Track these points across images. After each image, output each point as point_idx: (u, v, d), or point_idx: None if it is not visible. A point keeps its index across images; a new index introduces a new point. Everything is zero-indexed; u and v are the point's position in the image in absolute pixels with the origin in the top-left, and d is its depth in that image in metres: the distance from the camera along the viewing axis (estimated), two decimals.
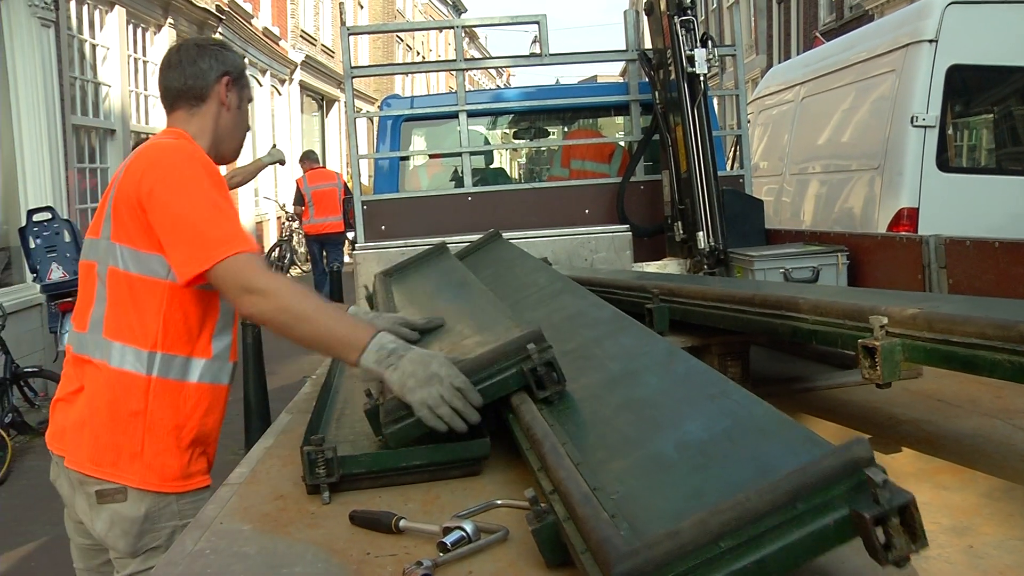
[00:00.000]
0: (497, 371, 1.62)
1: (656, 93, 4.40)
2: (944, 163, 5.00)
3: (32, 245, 6.79)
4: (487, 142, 6.13)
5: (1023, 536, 1.30)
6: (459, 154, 4.73)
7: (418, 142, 5.65)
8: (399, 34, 29.34)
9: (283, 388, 6.59)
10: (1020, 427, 1.88)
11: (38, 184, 7.93)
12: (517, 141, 6.39)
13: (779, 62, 16.71)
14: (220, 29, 13.70)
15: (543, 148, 6.66)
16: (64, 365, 2.09)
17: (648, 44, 4.58)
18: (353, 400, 2.12)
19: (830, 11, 16.99)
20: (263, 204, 16.46)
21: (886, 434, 1.88)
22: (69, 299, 6.74)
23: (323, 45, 22.17)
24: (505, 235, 3.48)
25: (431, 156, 5.69)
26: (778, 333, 2.04)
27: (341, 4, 21.53)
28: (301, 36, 19.97)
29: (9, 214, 7.87)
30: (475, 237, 3.52)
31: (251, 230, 14.74)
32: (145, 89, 11.27)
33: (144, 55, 11.28)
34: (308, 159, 11.62)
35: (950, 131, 5.18)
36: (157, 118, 11.51)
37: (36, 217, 6.88)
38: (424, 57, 33.94)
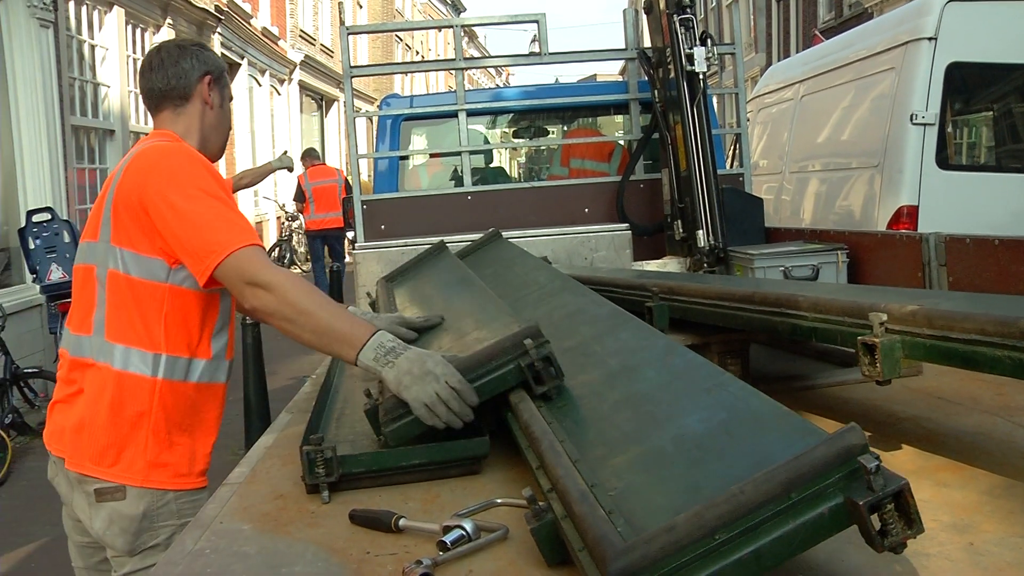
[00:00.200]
0: (495, 367, 1.63)
1: (655, 92, 4.40)
2: (944, 161, 5.00)
3: (32, 246, 6.79)
4: (487, 141, 6.13)
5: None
6: (458, 153, 4.72)
7: (417, 141, 5.65)
8: (398, 33, 29.36)
9: (283, 388, 6.60)
10: (1021, 424, 1.87)
11: (37, 185, 7.93)
12: (517, 140, 6.39)
13: (778, 60, 16.71)
14: (219, 29, 13.70)
15: (543, 147, 6.66)
16: (60, 368, 2.09)
17: (647, 43, 4.58)
18: (353, 400, 2.12)
19: (829, 9, 16.99)
20: (263, 204, 16.47)
21: (886, 432, 1.88)
22: (69, 300, 6.72)
23: (322, 45, 22.17)
24: (505, 234, 3.48)
25: (431, 155, 5.69)
26: (778, 331, 2.04)
27: (340, 4, 21.55)
28: (300, 36, 19.98)
29: (9, 215, 7.87)
30: (475, 236, 3.51)
31: None
32: None
33: (143, 56, 11.27)
34: (309, 156, 11.82)
35: (950, 129, 5.18)
36: None
37: (36, 218, 6.89)
38: (423, 56, 33.95)
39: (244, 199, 14.68)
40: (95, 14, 9.83)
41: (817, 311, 1.87)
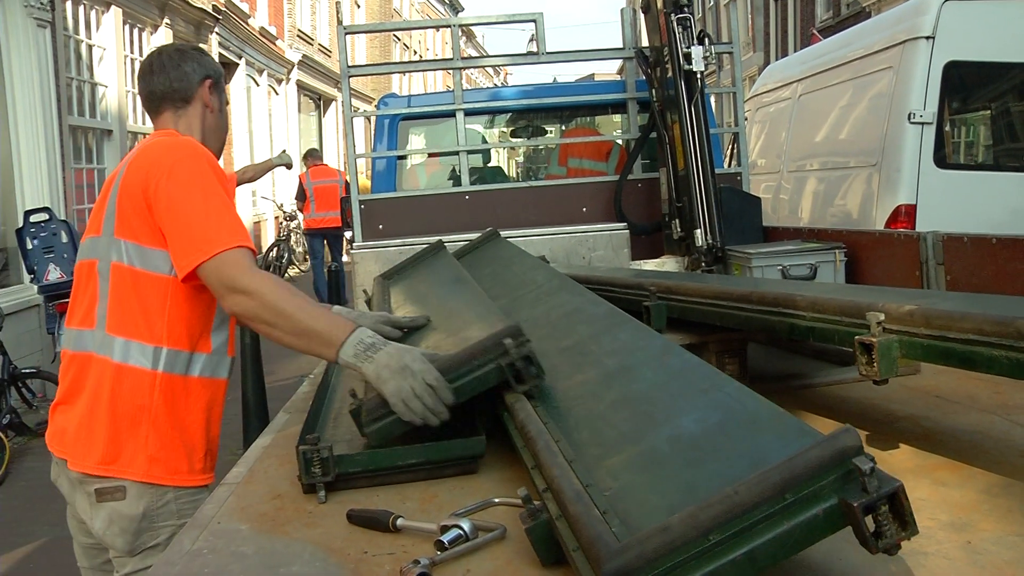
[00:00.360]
0: (475, 367, 1.64)
1: (653, 91, 4.40)
2: (942, 159, 5.00)
3: (29, 246, 6.78)
4: (485, 141, 6.13)
5: (1022, 532, 1.30)
6: (456, 153, 4.72)
7: (415, 141, 5.65)
8: (396, 33, 29.35)
9: (281, 387, 6.59)
10: (1018, 423, 1.88)
11: (35, 185, 7.92)
12: (514, 140, 6.38)
13: (776, 59, 16.71)
14: (217, 29, 13.69)
15: (541, 147, 6.66)
16: (61, 367, 2.09)
17: (645, 42, 4.58)
18: (350, 400, 2.12)
19: (827, 8, 17.00)
20: (261, 204, 16.47)
21: (884, 431, 1.88)
22: (66, 300, 6.72)
23: (320, 44, 22.16)
24: (503, 234, 3.48)
25: (429, 155, 5.68)
26: (776, 330, 2.04)
27: (338, 3, 21.56)
28: (298, 36, 19.97)
29: (6, 215, 7.86)
30: (473, 236, 3.51)
31: (249, 229, 14.73)
32: None
33: (141, 55, 11.27)
34: (312, 156, 12.00)
35: (947, 127, 5.18)
36: None
37: (33, 218, 6.88)
38: (421, 56, 33.94)
39: (242, 199, 14.68)
40: (92, 14, 9.82)
41: (815, 310, 1.87)
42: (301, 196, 11.76)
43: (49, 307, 6.75)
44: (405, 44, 32.55)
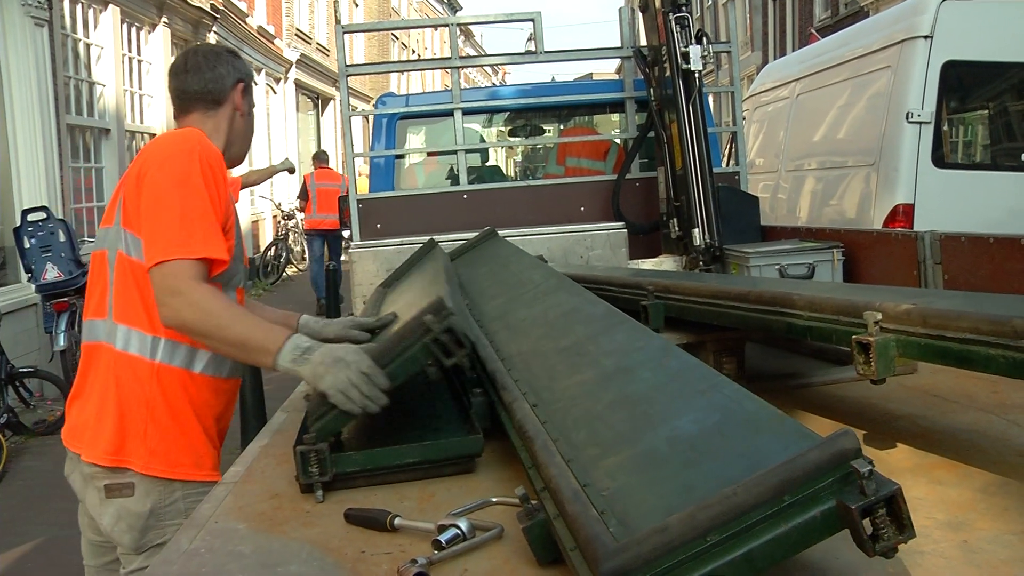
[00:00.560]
0: (403, 349, 1.65)
1: (651, 90, 4.40)
2: (939, 159, 5.00)
3: (27, 245, 6.77)
4: (483, 140, 6.13)
5: (1018, 531, 1.31)
6: (454, 152, 4.72)
7: (414, 140, 5.65)
8: (394, 32, 29.32)
9: (279, 387, 6.58)
10: (1016, 422, 1.88)
11: (32, 184, 7.91)
12: (513, 139, 6.38)
13: (774, 59, 16.72)
14: (215, 28, 13.67)
15: (539, 146, 6.66)
16: (80, 361, 2.12)
17: (643, 41, 4.58)
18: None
19: (825, 7, 17.01)
20: (259, 203, 16.45)
21: (882, 430, 1.88)
22: (64, 299, 6.73)
23: (318, 43, 22.13)
24: (501, 233, 3.48)
25: (427, 154, 5.68)
26: (773, 329, 2.04)
27: (336, 2, 21.53)
28: (296, 35, 19.94)
29: (4, 214, 7.85)
30: (471, 235, 3.51)
31: (247, 229, 14.73)
32: (140, 88, 11.25)
33: (139, 54, 11.26)
34: (319, 159, 12.23)
35: (945, 127, 5.19)
36: (152, 117, 11.49)
37: (31, 217, 6.87)
38: (419, 55, 33.91)
39: (241, 199, 14.65)
40: (90, 12, 9.80)
41: (812, 310, 1.87)
42: (304, 196, 11.90)
43: (46, 306, 6.74)
44: (403, 43, 32.53)
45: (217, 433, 2.12)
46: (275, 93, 18.38)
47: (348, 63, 4.54)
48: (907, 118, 4.93)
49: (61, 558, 4.29)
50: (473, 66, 18.51)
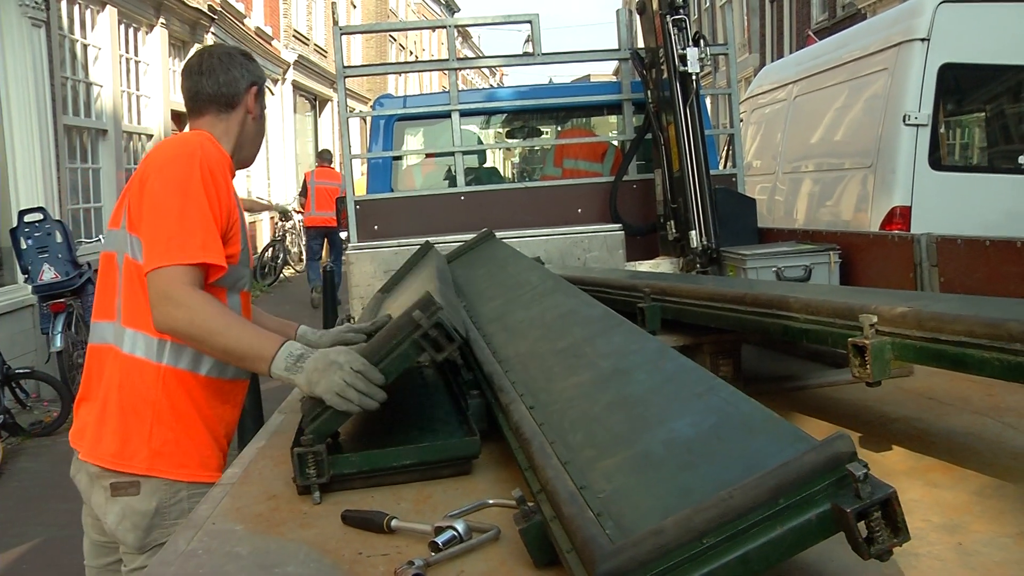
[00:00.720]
0: (395, 346, 1.66)
1: (648, 92, 4.41)
2: (936, 162, 5.01)
3: (23, 246, 6.77)
4: (480, 142, 6.13)
5: (1013, 533, 1.31)
6: (452, 153, 4.72)
7: (411, 142, 5.65)
8: (392, 34, 29.31)
9: (276, 389, 6.58)
10: (1011, 425, 1.88)
11: (29, 185, 7.91)
12: (510, 140, 6.39)
13: (772, 61, 16.74)
14: (212, 29, 13.66)
15: (536, 147, 6.67)
16: (85, 363, 2.12)
17: (641, 43, 4.58)
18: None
19: (823, 10, 17.03)
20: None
21: (877, 432, 1.89)
22: (61, 300, 6.73)
23: (316, 45, 22.12)
24: (498, 234, 3.49)
25: (424, 156, 5.68)
26: (770, 332, 2.05)
27: (333, 4, 21.50)
28: (294, 36, 19.93)
29: (0, 215, 7.84)
30: (468, 237, 3.52)
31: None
32: (137, 89, 11.24)
33: (136, 55, 11.25)
34: (321, 158, 12.46)
35: (942, 130, 5.20)
36: (149, 118, 11.49)
37: (27, 218, 6.87)
38: (417, 57, 33.91)
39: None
40: (87, 13, 9.79)
41: (808, 312, 1.87)
42: (303, 193, 12.02)
43: (43, 307, 6.74)
44: (401, 45, 32.51)
45: (224, 434, 2.13)
46: (272, 94, 18.36)
47: (346, 64, 4.54)
48: (904, 120, 4.94)
49: (58, 559, 4.29)
50: (471, 67, 18.54)
